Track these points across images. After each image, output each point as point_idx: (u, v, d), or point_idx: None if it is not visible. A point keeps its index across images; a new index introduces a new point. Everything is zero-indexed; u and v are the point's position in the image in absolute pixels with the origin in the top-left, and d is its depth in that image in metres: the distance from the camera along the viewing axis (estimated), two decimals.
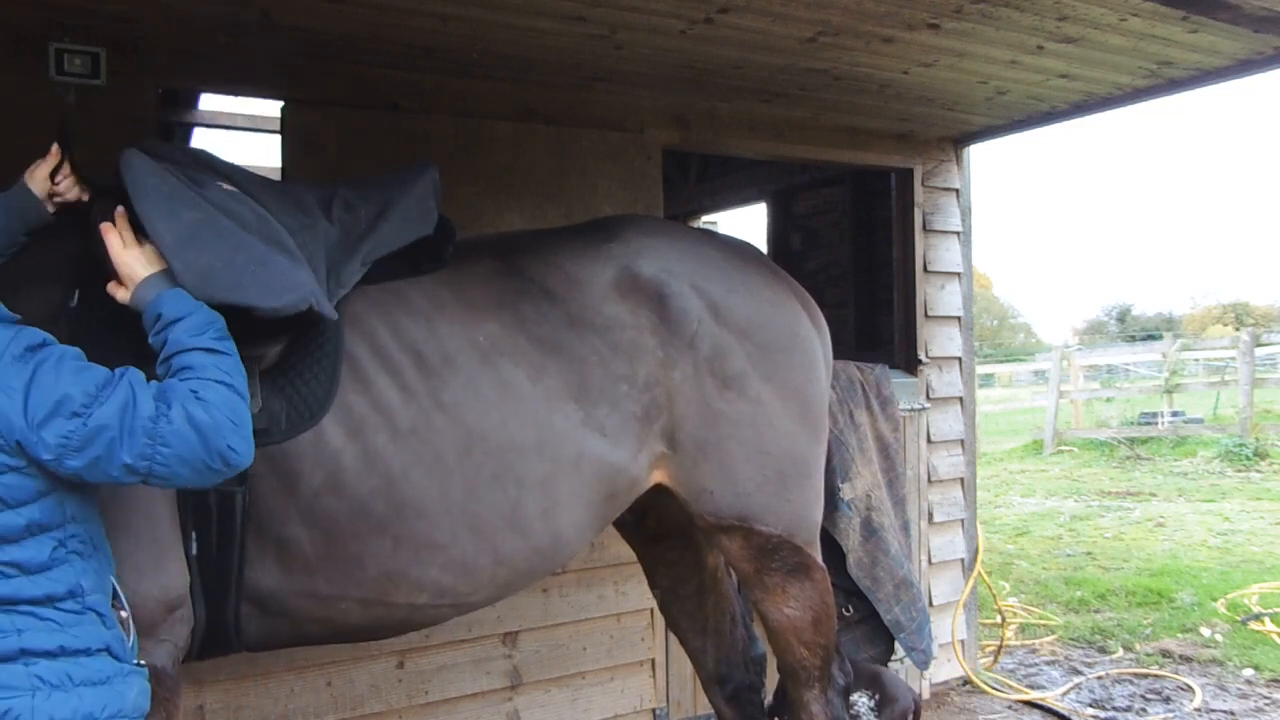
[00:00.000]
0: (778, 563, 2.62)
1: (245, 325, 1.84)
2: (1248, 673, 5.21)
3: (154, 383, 1.64)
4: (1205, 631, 5.93)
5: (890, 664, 4.19)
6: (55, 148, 2.00)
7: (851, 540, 4.14)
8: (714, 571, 3.08)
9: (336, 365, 2.03)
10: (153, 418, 1.57)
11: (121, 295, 1.82)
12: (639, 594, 4.00)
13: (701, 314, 2.49)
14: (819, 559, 2.73)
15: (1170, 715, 4.68)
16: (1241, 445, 13.22)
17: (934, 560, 4.91)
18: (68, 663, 1.56)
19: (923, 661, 4.16)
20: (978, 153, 6.68)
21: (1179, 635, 5.94)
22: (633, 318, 2.42)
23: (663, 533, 3.01)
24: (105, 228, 1.84)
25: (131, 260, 1.82)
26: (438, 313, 2.25)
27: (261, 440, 1.91)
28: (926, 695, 4.83)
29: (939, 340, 4.97)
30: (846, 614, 4.08)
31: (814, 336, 2.75)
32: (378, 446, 2.07)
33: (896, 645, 4.18)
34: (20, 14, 2.83)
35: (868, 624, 4.29)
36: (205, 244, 1.84)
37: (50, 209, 1.99)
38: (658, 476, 2.50)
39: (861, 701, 3.92)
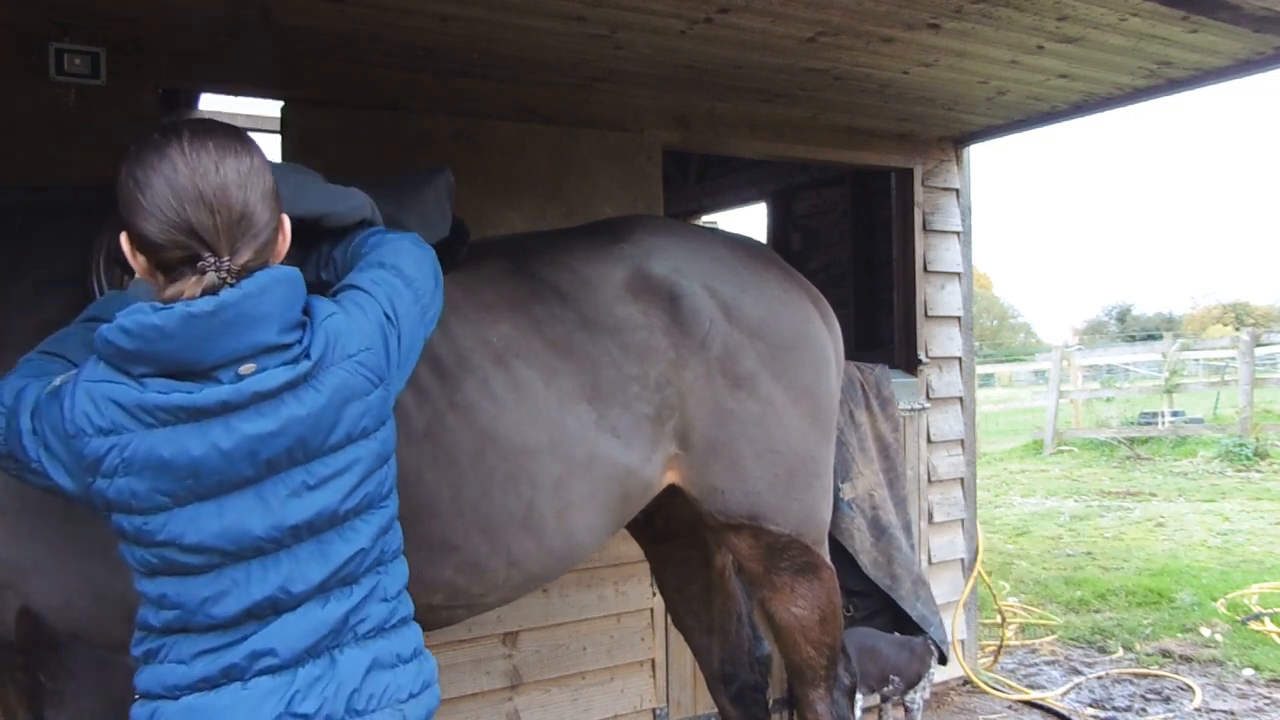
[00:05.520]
0: (786, 562, 2.62)
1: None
2: (1248, 673, 5.22)
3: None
4: (1205, 631, 5.94)
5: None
6: None
7: (860, 540, 4.17)
8: (721, 571, 3.08)
9: None
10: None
11: None
12: (639, 594, 4.01)
13: (713, 314, 2.48)
14: (827, 558, 2.74)
15: (1170, 715, 4.68)
16: (1241, 445, 13.22)
17: (934, 560, 4.91)
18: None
19: (945, 655, 4.23)
20: (978, 153, 6.69)
21: (1179, 635, 5.94)
22: (644, 318, 2.41)
23: (671, 531, 3.01)
24: None
25: None
26: (451, 314, 2.23)
27: None
28: (927, 695, 4.83)
29: (939, 340, 4.97)
30: (848, 614, 4.10)
31: (825, 335, 2.74)
32: None
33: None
34: (20, 14, 2.83)
35: (876, 620, 4.33)
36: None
37: None
38: (671, 477, 2.49)
39: (915, 699, 4.04)
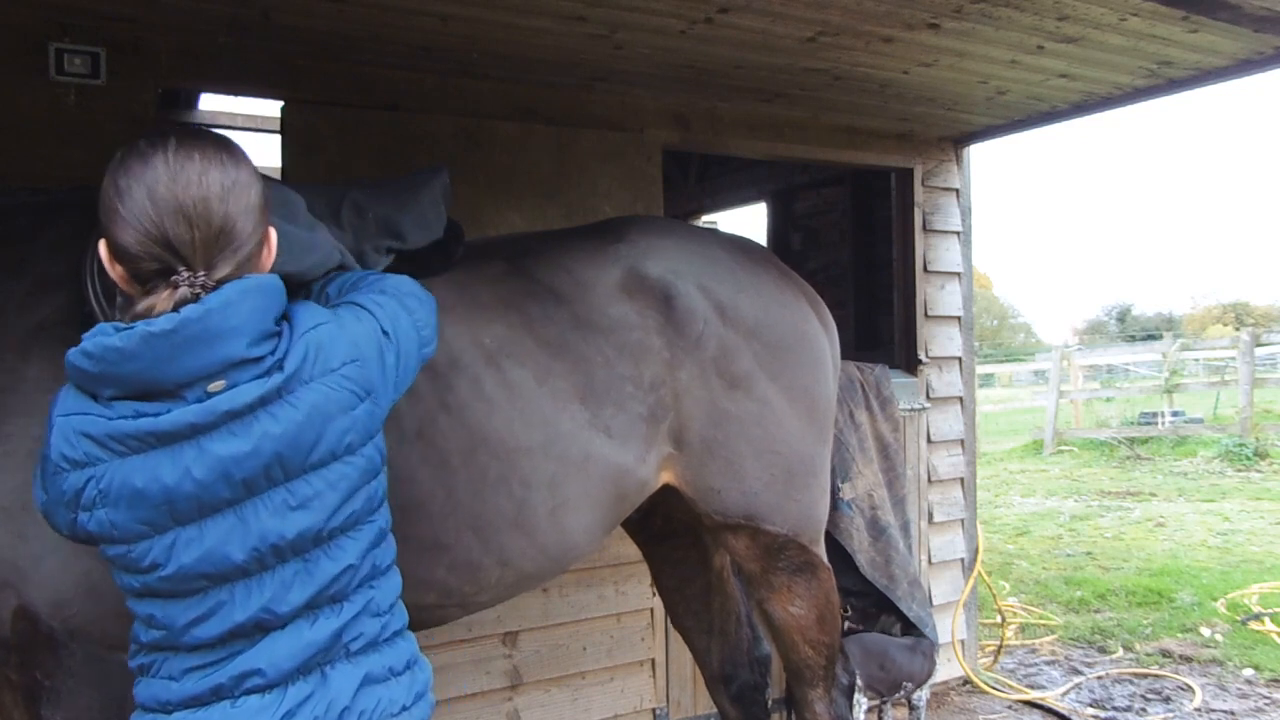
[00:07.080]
0: (784, 562, 2.62)
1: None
2: (1248, 673, 5.22)
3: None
4: (1205, 631, 5.94)
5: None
6: None
7: (858, 540, 4.17)
8: (720, 571, 3.08)
9: None
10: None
11: None
12: (639, 594, 4.01)
13: (708, 314, 2.48)
14: (824, 558, 2.74)
15: (1170, 715, 4.68)
16: (1241, 445, 13.23)
17: (934, 560, 4.92)
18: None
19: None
20: (978, 153, 6.70)
21: (1179, 635, 5.94)
22: (639, 318, 2.41)
23: (669, 532, 3.01)
24: None
25: None
26: (444, 314, 2.23)
27: None
28: (927, 695, 4.83)
29: (939, 340, 4.97)
30: (846, 614, 4.10)
31: (821, 336, 2.74)
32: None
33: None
34: (20, 14, 2.83)
35: (875, 620, 4.33)
36: None
37: None
38: (666, 477, 2.49)
39: (921, 695, 4.06)
